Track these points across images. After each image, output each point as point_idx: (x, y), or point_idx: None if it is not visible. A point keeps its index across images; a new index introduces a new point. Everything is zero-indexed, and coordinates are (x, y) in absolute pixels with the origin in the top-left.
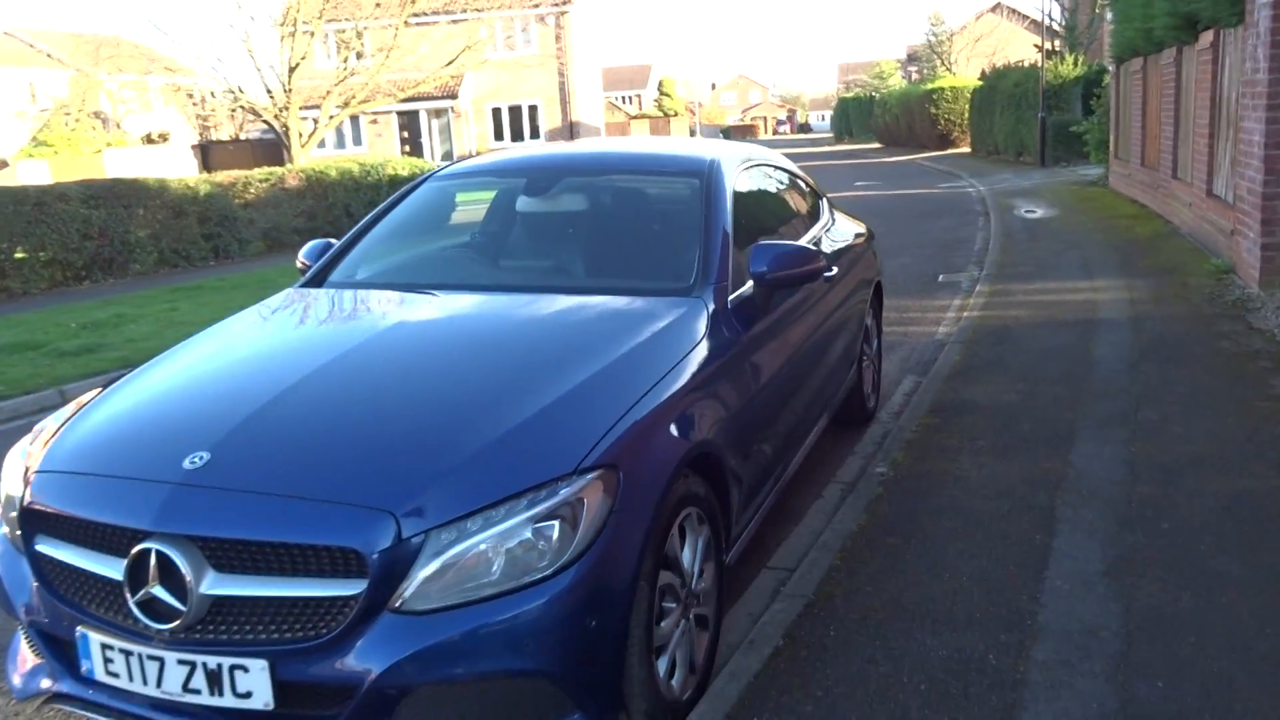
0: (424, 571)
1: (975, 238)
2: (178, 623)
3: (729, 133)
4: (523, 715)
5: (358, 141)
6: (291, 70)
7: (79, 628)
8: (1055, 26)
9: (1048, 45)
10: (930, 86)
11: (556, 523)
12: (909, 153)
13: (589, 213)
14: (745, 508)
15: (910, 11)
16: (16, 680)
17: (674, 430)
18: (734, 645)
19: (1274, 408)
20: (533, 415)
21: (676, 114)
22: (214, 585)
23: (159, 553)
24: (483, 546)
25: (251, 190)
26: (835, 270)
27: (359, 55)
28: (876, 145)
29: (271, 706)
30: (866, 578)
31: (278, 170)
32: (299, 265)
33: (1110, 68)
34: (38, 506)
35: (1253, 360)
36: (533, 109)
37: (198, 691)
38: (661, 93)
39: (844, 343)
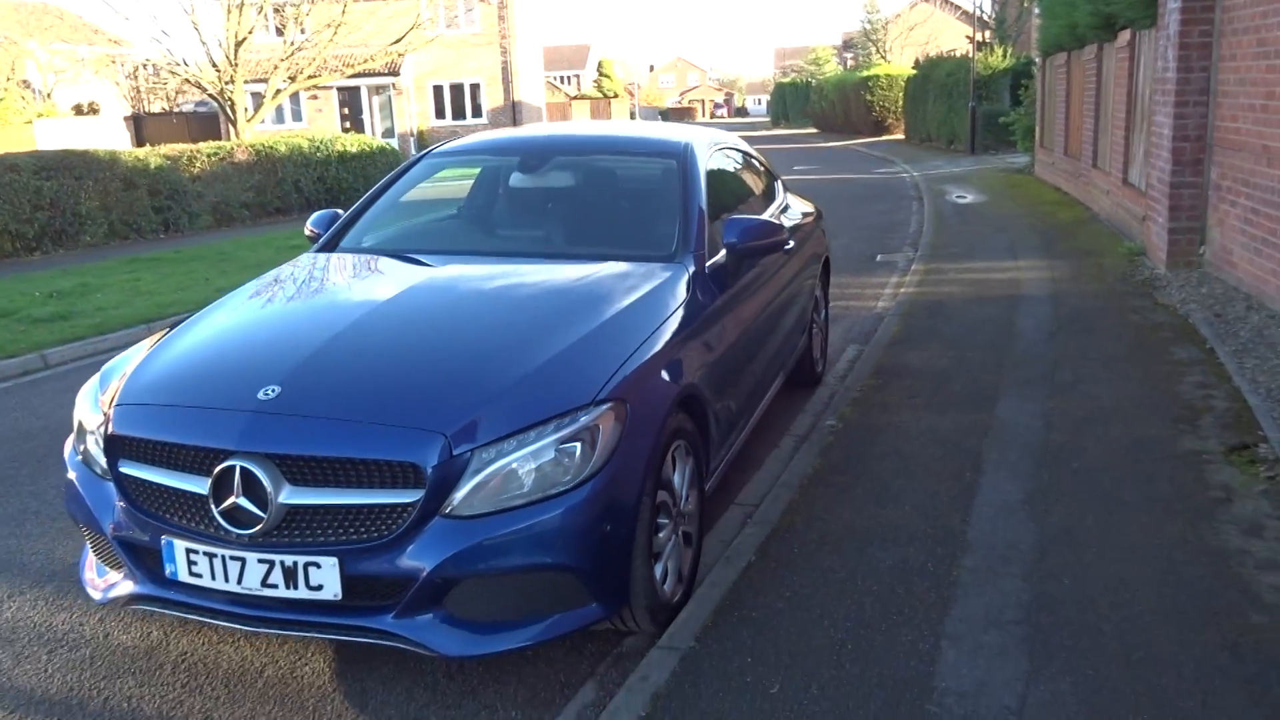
0: (469, 483)
1: (910, 220)
2: (258, 528)
3: (667, 115)
4: (549, 604)
5: (297, 117)
6: (238, 44)
7: (164, 536)
8: (985, 18)
9: (978, 37)
10: (866, 74)
11: (578, 445)
12: (845, 138)
13: (578, 188)
14: (720, 445)
15: None
16: (96, 588)
17: (666, 374)
18: (710, 564)
19: (1172, 370)
20: (554, 356)
21: (617, 95)
22: (289, 496)
23: (243, 469)
24: (516, 464)
25: (198, 164)
26: (792, 244)
27: (302, 30)
28: (813, 130)
29: (340, 597)
30: (822, 508)
31: (226, 144)
32: (308, 233)
33: (1037, 61)
34: (123, 434)
35: (1156, 331)
36: (474, 87)
37: (275, 586)
38: (601, 74)
39: (797, 310)
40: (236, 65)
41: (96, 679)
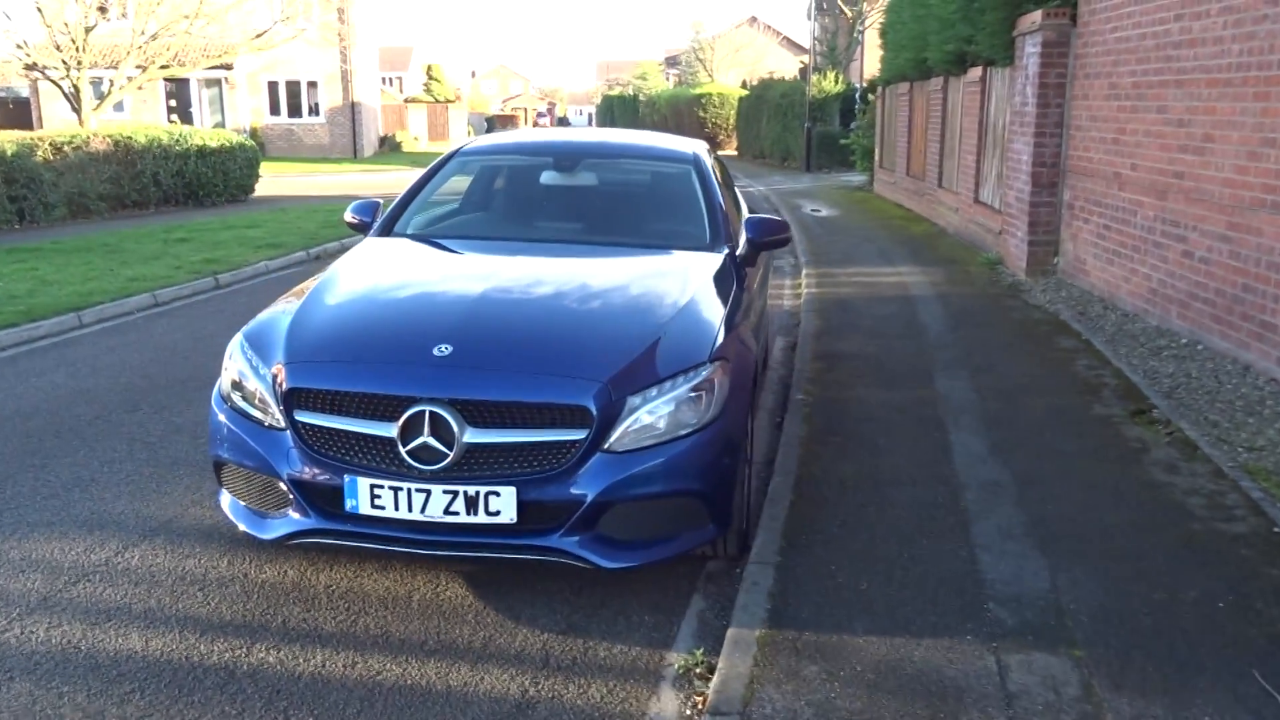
0: (623, 424)
1: None
2: (443, 464)
3: (493, 122)
4: (677, 525)
5: (119, 108)
6: (88, 30)
7: (346, 475)
8: (817, 46)
9: (807, 62)
10: (699, 91)
11: (701, 393)
12: None
13: (608, 187)
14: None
15: (669, 16)
16: (258, 528)
17: (742, 340)
18: (757, 505)
19: (1062, 356)
20: (668, 322)
21: (453, 100)
22: (470, 436)
23: (431, 413)
24: (657, 409)
25: (47, 152)
26: None
27: (147, 19)
28: None
29: (514, 521)
30: (830, 461)
31: (82, 132)
32: (352, 220)
33: (861, 88)
34: (304, 387)
35: (1038, 326)
36: (312, 85)
37: (456, 513)
38: (431, 78)
39: (763, 299)
40: (84, 50)
41: (262, 608)
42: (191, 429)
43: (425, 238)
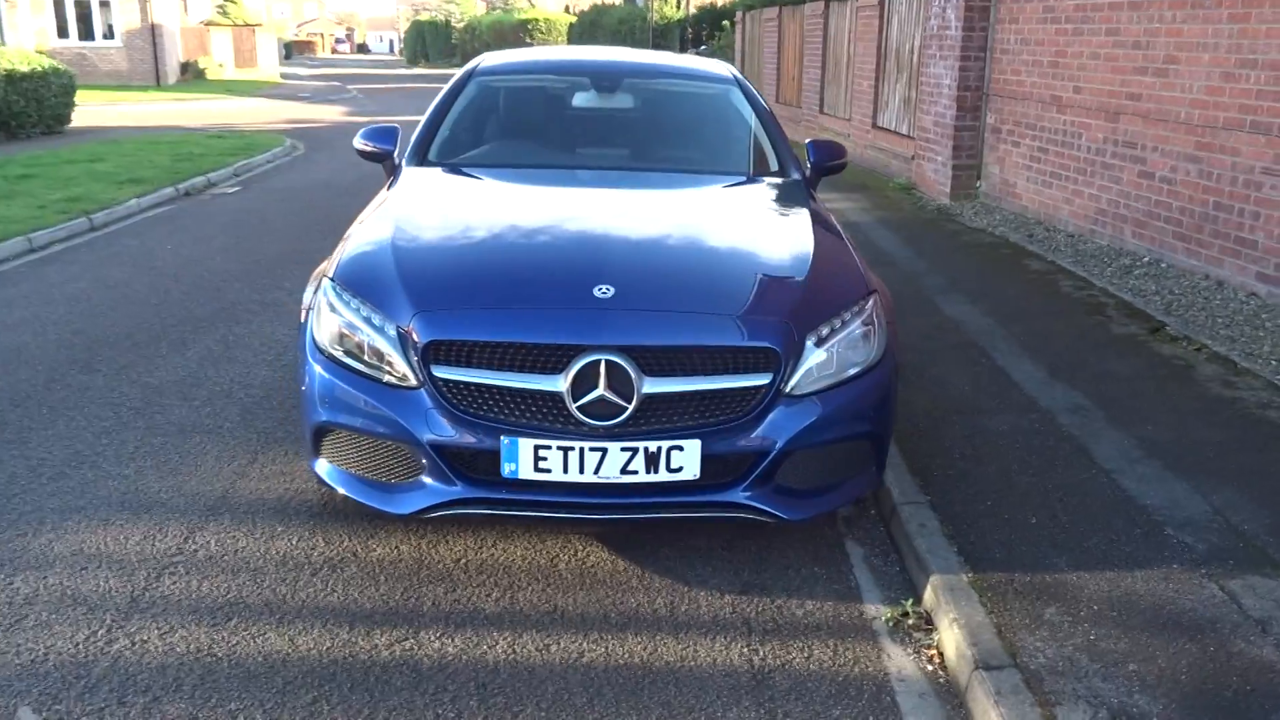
0: (803, 366)
1: None
2: (620, 419)
3: (290, 48)
4: (846, 470)
5: None
6: None
7: (504, 436)
8: None
9: None
10: (525, 17)
11: (869, 328)
12: None
13: (651, 109)
14: None
15: None
16: (390, 502)
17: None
18: None
19: (1043, 278)
20: (817, 256)
21: (261, 25)
22: (648, 386)
23: (608, 362)
24: (832, 347)
25: None
26: None
27: None
28: None
29: (697, 476)
30: (901, 395)
31: None
32: (366, 148)
33: (738, 13)
34: (448, 339)
35: (995, 250)
36: (104, 5)
37: (634, 472)
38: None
39: None
40: None
41: (399, 591)
42: (175, 390)
43: (473, 166)
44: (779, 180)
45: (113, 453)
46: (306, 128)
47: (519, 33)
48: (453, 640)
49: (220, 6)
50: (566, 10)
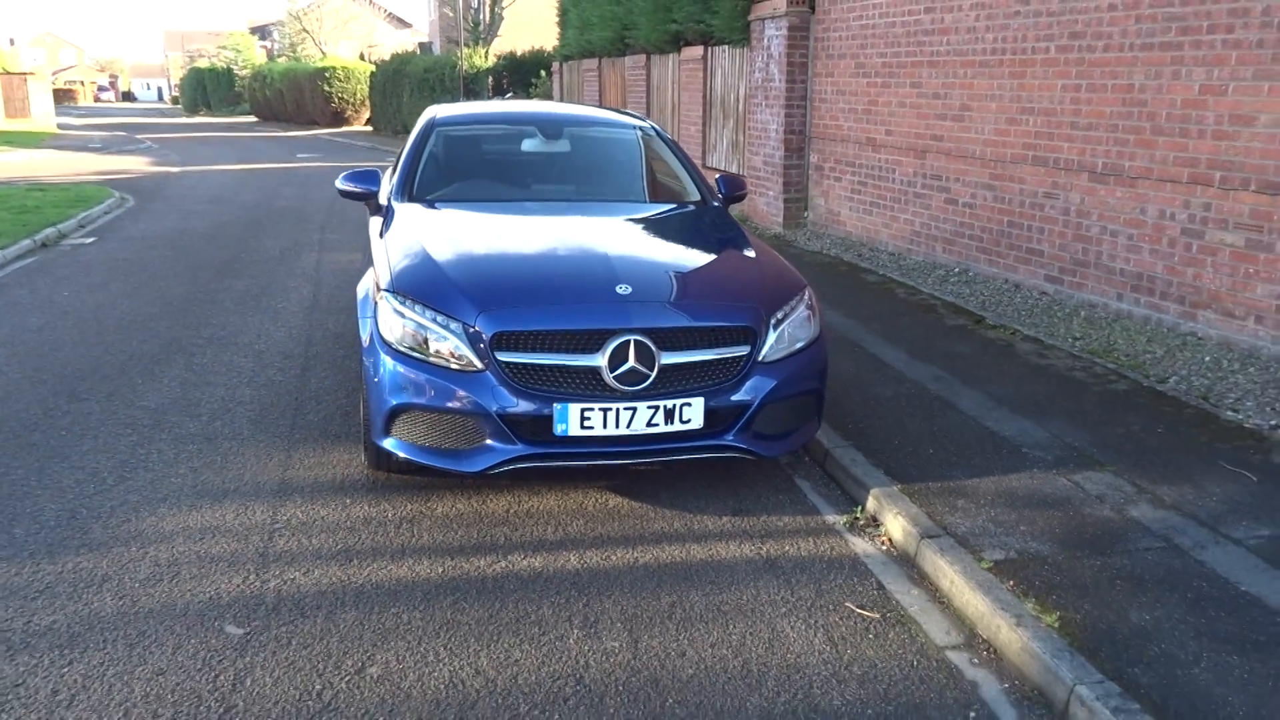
0: (769, 340)
1: None
2: (644, 384)
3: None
4: (799, 419)
5: None
6: None
7: (555, 404)
8: (464, 21)
9: (430, 38)
10: (321, 65)
11: (810, 312)
12: (303, 128)
13: (590, 151)
14: None
15: None
16: (464, 463)
17: None
18: None
19: (881, 288)
20: (763, 261)
21: (34, 73)
22: (665, 358)
23: (636, 341)
24: (787, 327)
25: None
26: None
27: None
28: (254, 119)
29: (701, 426)
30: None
31: None
32: (347, 189)
33: (555, 64)
34: (510, 330)
35: (835, 267)
36: None
37: (656, 425)
38: None
39: None
40: None
41: (478, 532)
42: (177, 410)
43: (448, 201)
44: (707, 207)
45: (157, 459)
46: (120, 179)
47: (316, 80)
48: (537, 557)
49: None
50: (362, 59)
